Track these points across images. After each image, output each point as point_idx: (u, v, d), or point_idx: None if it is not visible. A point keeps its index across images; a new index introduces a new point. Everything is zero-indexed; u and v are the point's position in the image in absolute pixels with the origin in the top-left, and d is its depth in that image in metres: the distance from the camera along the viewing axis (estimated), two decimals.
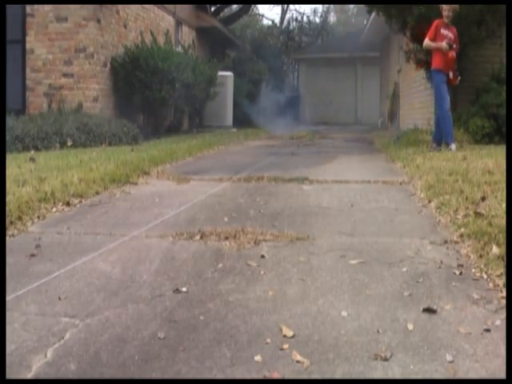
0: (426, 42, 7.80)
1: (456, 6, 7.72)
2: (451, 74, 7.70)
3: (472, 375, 1.81)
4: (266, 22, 39.99)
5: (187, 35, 16.40)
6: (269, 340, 2.04)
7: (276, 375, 1.81)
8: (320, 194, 4.85)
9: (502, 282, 2.52)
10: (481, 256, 2.87)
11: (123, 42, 11.84)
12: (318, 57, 24.34)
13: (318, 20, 31.93)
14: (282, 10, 32.82)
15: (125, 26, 12.11)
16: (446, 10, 7.65)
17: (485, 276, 2.64)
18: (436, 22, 7.71)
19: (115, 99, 11.61)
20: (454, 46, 7.65)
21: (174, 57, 12.13)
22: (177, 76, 11.80)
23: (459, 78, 7.78)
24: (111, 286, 2.62)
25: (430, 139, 8.56)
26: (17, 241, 3.41)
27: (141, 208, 4.33)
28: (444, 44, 7.62)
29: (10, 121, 8.32)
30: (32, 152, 7.58)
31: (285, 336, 2.07)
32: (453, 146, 7.53)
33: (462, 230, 3.33)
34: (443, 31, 7.70)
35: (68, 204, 4.32)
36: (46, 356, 1.96)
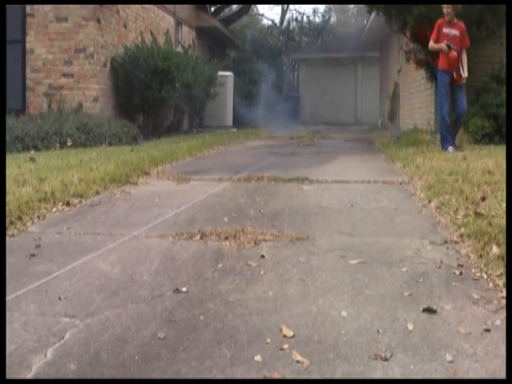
0: (430, 44, 7.84)
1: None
2: (455, 74, 7.70)
3: (472, 375, 1.81)
4: (265, 21, 39.99)
5: (187, 35, 16.40)
6: (269, 340, 2.04)
7: (276, 375, 1.81)
8: (320, 194, 4.85)
9: (502, 282, 2.52)
10: (481, 256, 2.87)
11: (123, 42, 11.84)
12: (317, 57, 24.33)
13: (318, 20, 31.98)
14: (282, 10, 32.89)
15: (125, 26, 12.11)
16: (445, 6, 7.64)
17: (485, 276, 2.64)
18: (438, 23, 7.71)
19: (115, 99, 11.61)
20: (453, 46, 7.63)
21: (174, 57, 12.12)
22: (177, 76, 11.80)
23: (465, 76, 7.74)
24: (111, 286, 2.62)
25: (429, 139, 8.55)
26: (17, 241, 3.41)
27: (141, 208, 4.33)
28: (443, 46, 7.63)
29: (10, 121, 8.31)
30: (32, 152, 7.58)
31: (285, 336, 2.07)
32: (450, 149, 7.53)
33: (462, 229, 3.33)
34: (445, 30, 7.69)
35: (68, 204, 4.32)
36: (46, 356, 1.96)
